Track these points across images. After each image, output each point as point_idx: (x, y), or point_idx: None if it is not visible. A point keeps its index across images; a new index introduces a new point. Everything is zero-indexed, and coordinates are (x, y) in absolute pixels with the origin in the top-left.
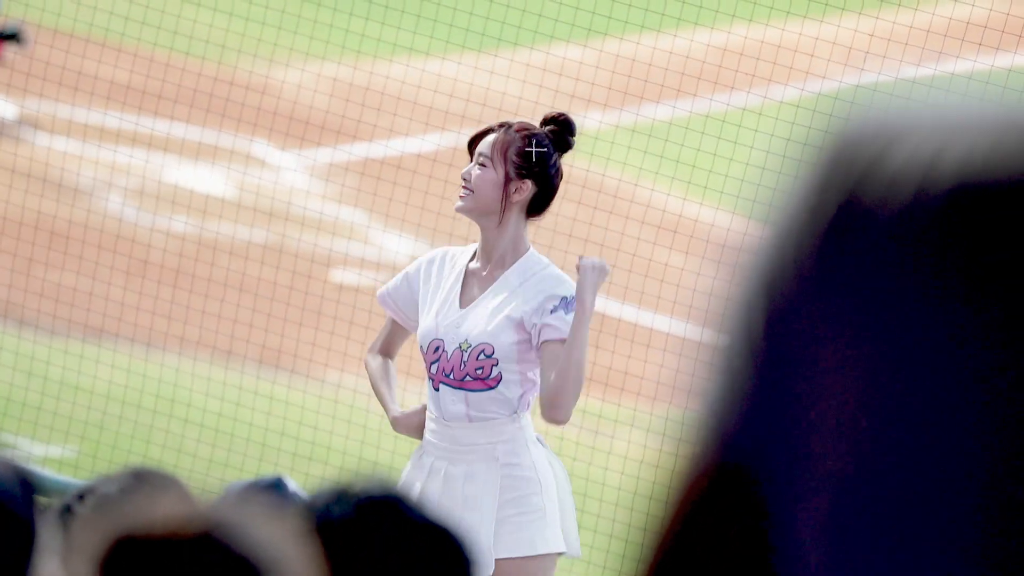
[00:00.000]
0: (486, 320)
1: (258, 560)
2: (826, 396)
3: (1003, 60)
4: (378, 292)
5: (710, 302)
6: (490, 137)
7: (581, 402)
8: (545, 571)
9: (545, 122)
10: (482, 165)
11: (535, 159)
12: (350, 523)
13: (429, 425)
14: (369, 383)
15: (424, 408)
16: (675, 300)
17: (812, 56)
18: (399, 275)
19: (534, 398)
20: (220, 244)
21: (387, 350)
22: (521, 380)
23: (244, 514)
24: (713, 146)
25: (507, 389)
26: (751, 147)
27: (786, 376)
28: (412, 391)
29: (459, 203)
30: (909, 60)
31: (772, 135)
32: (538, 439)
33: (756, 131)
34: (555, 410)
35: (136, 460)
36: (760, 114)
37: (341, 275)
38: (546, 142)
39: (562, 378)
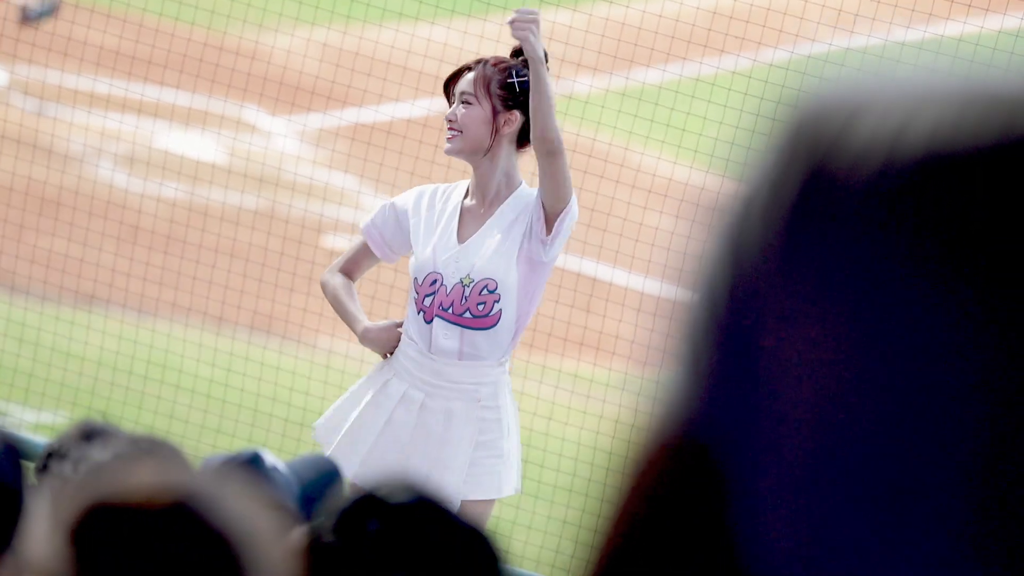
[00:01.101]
0: (489, 255)
1: (230, 532)
2: (791, 371)
3: (993, 22)
4: (362, 224)
5: (699, 266)
6: (468, 75)
7: (572, 366)
8: (490, 512)
9: (516, 53)
10: (466, 103)
11: (518, 89)
12: (385, 534)
13: (407, 352)
14: (328, 300)
15: (393, 325)
16: (665, 264)
17: (802, 19)
18: (384, 207)
19: (519, 339)
20: (211, 210)
21: (349, 272)
22: (518, 316)
23: (218, 486)
24: (703, 109)
25: (504, 328)
26: (741, 110)
27: (750, 351)
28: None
29: (448, 145)
30: (899, 22)
31: (762, 98)
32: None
33: (746, 94)
34: (542, 130)
35: (128, 426)
36: (750, 77)
37: (332, 240)
38: (524, 72)
39: (536, 101)
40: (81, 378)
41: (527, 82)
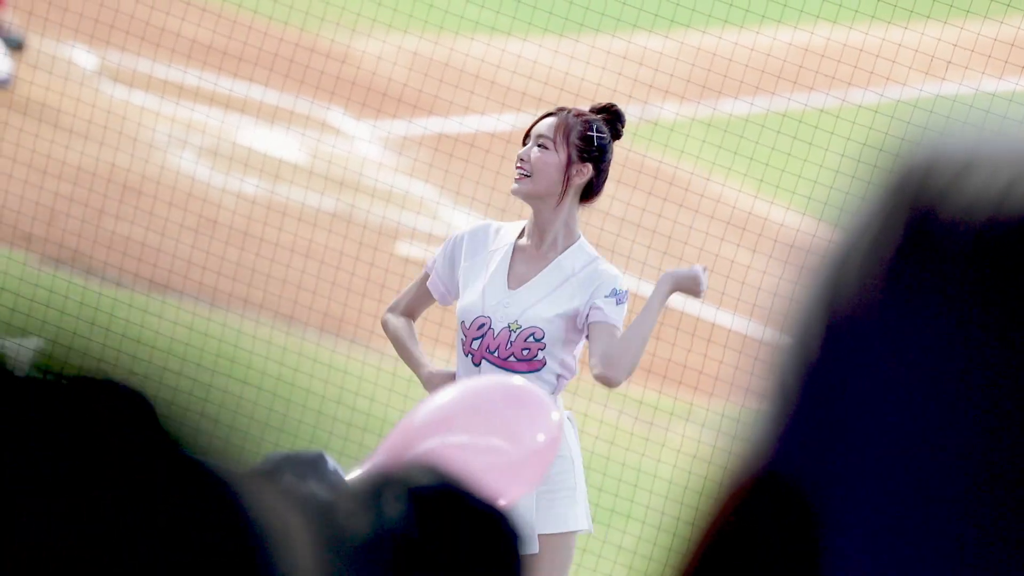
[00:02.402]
0: (539, 304)
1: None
2: (881, 416)
3: None
4: (427, 263)
5: (774, 302)
6: (550, 119)
7: (638, 392)
8: (570, 547)
9: (596, 111)
10: (543, 147)
11: (596, 143)
12: (413, 524)
13: None
14: (390, 340)
15: (454, 374)
16: (739, 297)
17: (894, 62)
18: (443, 249)
19: (567, 383)
20: (289, 209)
21: (411, 313)
22: (561, 365)
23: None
24: (788, 146)
25: (548, 373)
26: (826, 149)
27: (840, 394)
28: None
29: (516, 186)
30: (991, 73)
31: (848, 139)
32: (568, 417)
33: (832, 134)
34: (613, 369)
35: (192, 417)
36: (837, 117)
37: (407, 248)
38: (604, 128)
39: (628, 341)
40: (149, 365)
41: (606, 138)
